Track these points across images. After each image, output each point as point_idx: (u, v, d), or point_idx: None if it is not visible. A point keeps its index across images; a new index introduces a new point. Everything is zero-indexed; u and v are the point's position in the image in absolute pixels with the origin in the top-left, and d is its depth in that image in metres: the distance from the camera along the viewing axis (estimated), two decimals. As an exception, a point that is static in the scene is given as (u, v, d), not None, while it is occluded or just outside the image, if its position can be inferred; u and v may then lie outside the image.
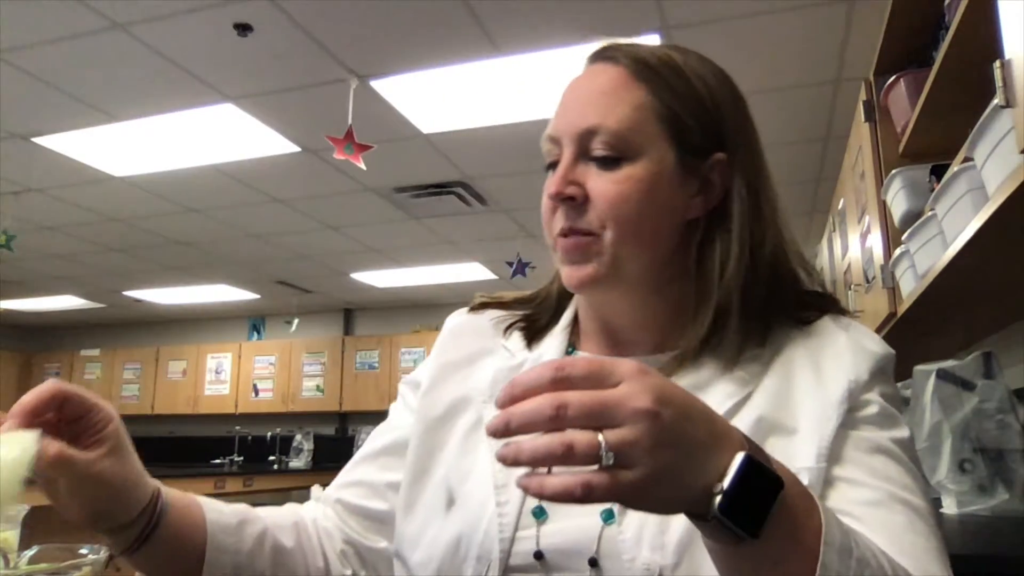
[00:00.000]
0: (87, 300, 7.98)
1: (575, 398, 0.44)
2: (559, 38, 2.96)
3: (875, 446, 0.65)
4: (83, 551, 0.55)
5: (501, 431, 0.45)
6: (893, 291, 2.00)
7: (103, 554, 0.55)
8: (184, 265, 6.59)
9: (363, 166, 3.57)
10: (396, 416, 0.86)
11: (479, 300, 0.88)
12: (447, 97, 3.48)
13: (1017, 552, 1.23)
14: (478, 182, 4.61)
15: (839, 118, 3.56)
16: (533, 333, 0.82)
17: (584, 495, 0.43)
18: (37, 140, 3.95)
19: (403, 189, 4.71)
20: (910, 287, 1.78)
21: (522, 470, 0.46)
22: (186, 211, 5.14)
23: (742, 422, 0.65)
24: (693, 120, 0.72)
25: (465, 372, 0.80)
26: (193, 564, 0.70)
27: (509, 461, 0.45)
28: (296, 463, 7.31)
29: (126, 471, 0.64)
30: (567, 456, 0.43)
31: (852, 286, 2.67)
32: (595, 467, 0.43)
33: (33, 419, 0.59)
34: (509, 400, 0.46)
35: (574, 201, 0.70)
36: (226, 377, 8.41)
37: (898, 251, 1.84)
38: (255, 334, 8.87)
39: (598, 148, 0.70)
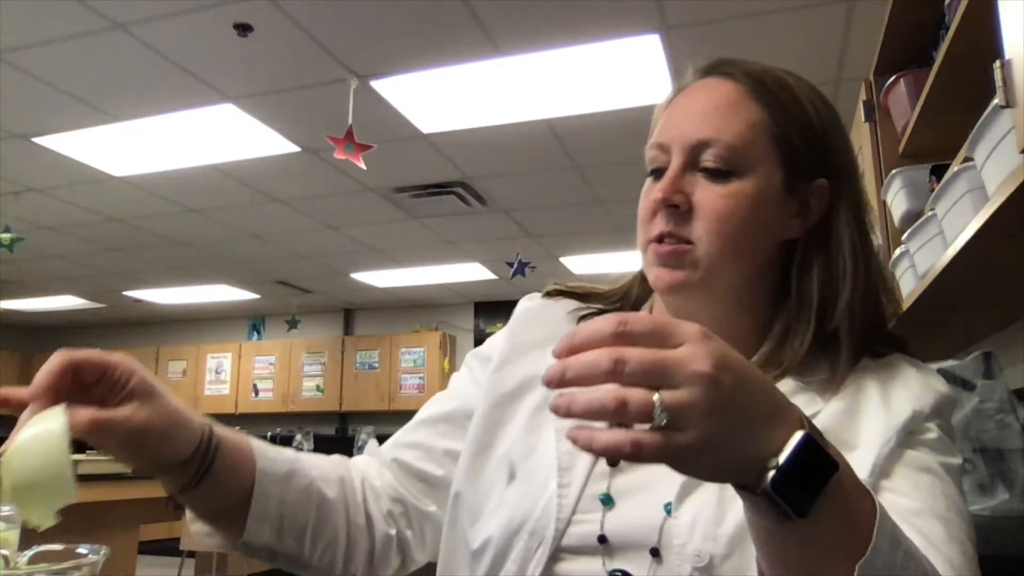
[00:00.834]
0: (87, 300, 7.99)
1: (634, 354, 0.43)
2: (559, 38, 2.96)
3: (924, 466, 0.66)
4: (83, 551, 0.54)
5: (557, 381, 0.45)
6: (893, 291, 1.99)
7: (103, 554, 0.55)
8: (184, 265, 6.59)
9: (363, 166, 3.57)
10: (459, 387, 0.87)
11: (553, 287, 0.88)
12: (447, 97, 3.48)
13: (1017, 552, 1.23)
14: (478, 182, 4.61)
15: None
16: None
17: (634, 453, 0.43)
18: (37, 140, 3.95)
19: (403, 189, 4.71)
20: (910, 287, 1.78)
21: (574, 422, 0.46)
22: (186, 211, 5.14)
23: None
24: (803, 143, 0.73)
25: (537, 354, 0.81)
26: (241, 505, 0.71)
27: (562, 412, 0.45)
28: (296, 463, 7.31)
29: (168, 414, 0.65)
30: (620, 412, 0.43)
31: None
32: (648, 426, 0.43)
33: (53, 395, 0.60)
34: (568, 351, 0.45)
35: (678, 209, 0.71)
36: (226, 377, 8.41)
37: (898, 251, 1.84)
38: (255, 334, 8.87)
39: (709, 160, 0.71)
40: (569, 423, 0.45)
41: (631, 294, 0.85)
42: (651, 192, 0.74)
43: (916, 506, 0.62)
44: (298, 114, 3.68)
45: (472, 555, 0.73)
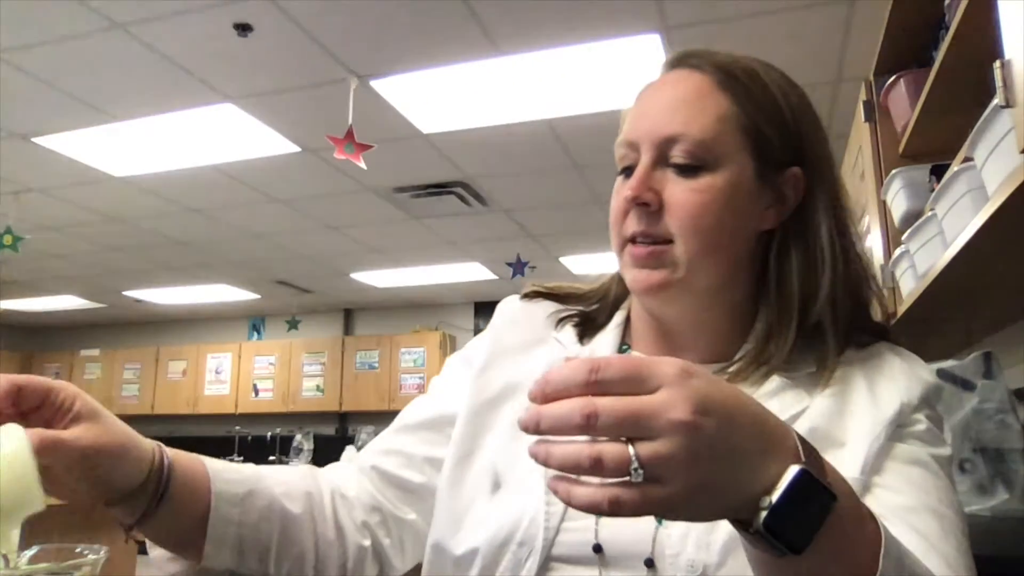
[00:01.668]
0: (87, 300, 7.98)
1: (607, 407, 0.41)
2: (559, 38, 2.96)
3: (915, 459, 0.66)
4: (83, 551, 0.54)
5: (532, 429, 0.43)
6: (893, 291, 2.00)
7: (103, 554, 0.55)
8: (184, 265, 6.59)
9: (363, 166, 3.57)
10: (441, 391, 0.85)
11: (532, 289, 0.87)
12: (447, 97, 3.48)
13: (1017, 552, 1.23)
14: (478, 182, 4.61)
15: (839, 118, 3.55)
16: (587, 329, 0.82)
17: (612, 511, 0.41)
18: (37, 140, 3.95)
19: (403, 189, 4.71)
20: (910, 287, 1.78)
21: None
22: (186, 211, 5.14)
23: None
24: (774, 132, 0.72)
25: (519, 359, 0.80)
26: (199, 529, 0.69)
27: (539, 460, 0.44)
28: (296, 463, 7.31)
29: (115, 436, 0.63)
30: (595, 469, 0.41)
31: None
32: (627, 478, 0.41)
33: None
34: (541, 397, 0.44)
35: (648, 207, 0.70)
36: (226, 377, 8.41)
37: (898, 251, 1.84)
38: (255, 334, 8.87)
39: (678, 156, 0.70)
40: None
41: (610, 294, 0.84)
42: (622, 191, 0.73)
43: (909, 502, 0.62)
44: (298, 114, 3.68)
45: (455, 562, 0.71)
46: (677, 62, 0.76)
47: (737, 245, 0.72)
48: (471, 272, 6.84)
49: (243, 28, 2.91)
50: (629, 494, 0.41)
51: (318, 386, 8.09)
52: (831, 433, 0.66)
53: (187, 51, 3.11)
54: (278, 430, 7.52)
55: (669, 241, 0.70)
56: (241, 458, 7.25)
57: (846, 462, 0.63)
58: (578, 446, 0.42)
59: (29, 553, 0.58)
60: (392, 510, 0.80)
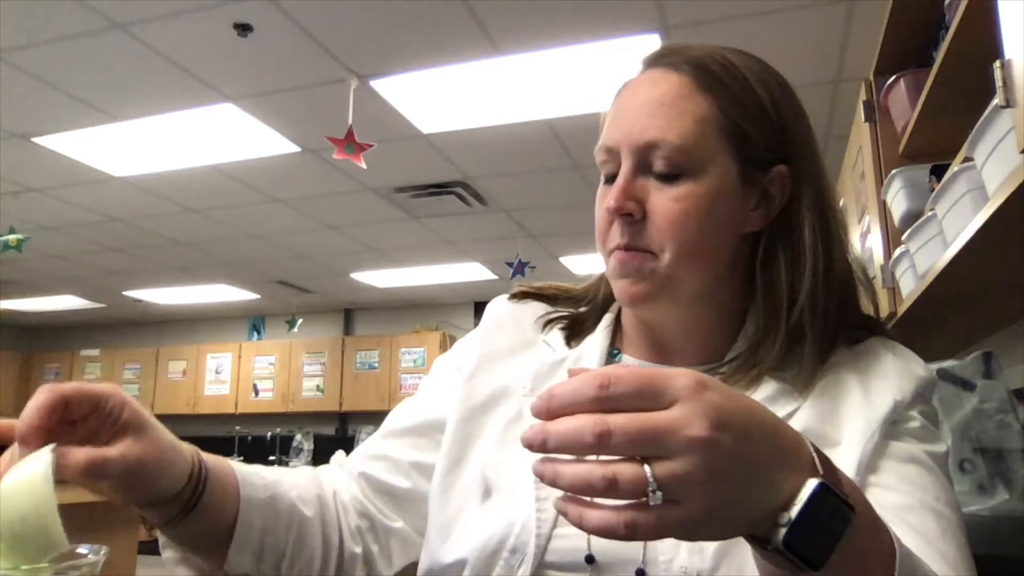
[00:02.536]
0: (87, 300, 7.98)
1: (620, 425, 0.39)
2: (559, 38, 2.96)
3: (911, 456, 0.65)
4: (83, 551, 0.54)
5: (537, 447, 0.41)
6: (893, 291, 2.00)
7: (103, 554, 0.55)
8: (184, 265, 6.59)
9: (363, 166, 3.57)
10: (429, 395, 0.84)
11: (520, 289, 0.86)
12: (447, 97, 3.48)
13: (1017, 552, 1.23)
14: (478, 182, 4.61)
15: (839, 118, 3.55)
16: (575, 332, 0.81)
17: (628, 535, 0.39)
18: (37, 140, 3.95)
19: (403, 189, 4.70)
20: (910, 287, 1.78)
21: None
22: (186, 211, 5.14)
23: None
24: (756, 131, 0.70)
25: (507, 362, 0.79)
26: (224, 534, 0.69)
27: (547, 481, 0.41)
28: (296, 463, 7.31)
29: (160, 449, 0.62)
30: (609, 491, 0.39)
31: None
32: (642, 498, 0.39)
33: (44, 436, 0.55)
34: (547, 414, 0.41)
35: (632, 217, 0.68)
36: (226, 377, 8.41)
37: (898, 251, 1.84)
38: (255, 334, 8.86)
39: (659, 163, 0.67)
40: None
41: (599, 296, 0.82)
42: (604, 199, 0.70)
43: (907, 501, 0.61)
44: (298, 114, 3.68)
45: (445, 570, 0.70)
46: (654, 61, 0.73)
47: (722, 251, 0.70)
48: (471, 272, 6.83)
49: (243, 28, 2.91)
50: (645, 517, 0.39)
51: (318, 386, 8.09)
52: (825, 433, 0.65)
53: (187, 51, 3.11)
54: (278, 430, 7.52)
55: (653, 252, 0.68)
56: (241, 458, 7.22)
57: (841, 462, 0.61)
58: (590, 466, 0.40)
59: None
60: (380, 518, 0.79)
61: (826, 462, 0.45)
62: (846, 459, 0.63)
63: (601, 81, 3.31)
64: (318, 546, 0.75)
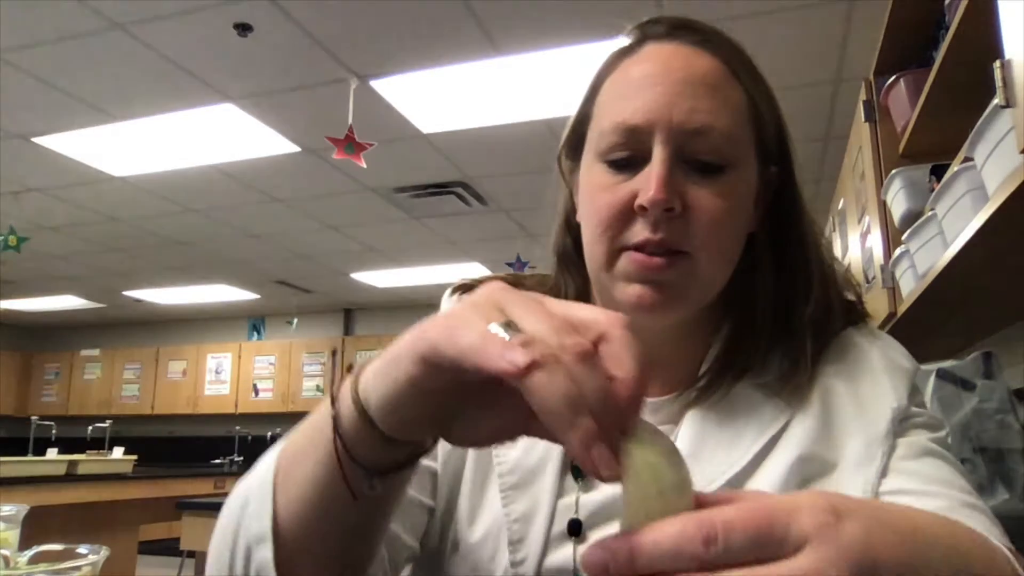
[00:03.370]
0: (87, 300, 7.99)
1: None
2: (559, 38, 2.96)
3: (923, 450, 0.61)
4: (83, 551, 0.54)
5: (624, 568, 0.31)
6: (893, 291, 2.00)
7: (103, 554, 0.55)
8: (184, 265, 6.59)
9: (363, 166, 3.57)
10: None
11: (463, 283, 0.75)
12: (447, 97, 3.48)
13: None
14: (478, 182, 4.61)
15: (839, 118, 3.56)
16: None
17: None
18: (37, 140, 3.95)
19: (403, 189, 4.71)
20: (910, 287, 1.78)
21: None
22: (186, 211, 5.14)
23: (782, 460, 0.60)
24: (773, 126, 0.66)
25: None
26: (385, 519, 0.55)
27: None
28: (296, 463, 7.31)
29: None
30: None
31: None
32: None
33: None
34: (628, 568, 0.31)
35: (673, 212, 0.58)
36: (226, 377, 8.41)
37: (898, 251, 1.84)
38: (255, 334, 8.87)
39: (705, 153, 0.60)
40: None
41: (561, 295, 0.72)
42: (616, 189, 0.61)
43: (943, 504, 0.56)
44: (298, 114, 3.68)
45: None
46: (674, 32, 0.65)
47: (738, 254, 0.65)
48: (471, 272, 6.83)
49: (243, 28, 2.91)
50: None
51: (318, 386, 8.09)
52: (820, 454, 0.60)
53: (187, 51, 3.11)
54: (278, 430, 7.50)
55: (688, 253, 0.60)
56: (241, 458, 7.26)
57: (843, 486, 0.59)
58: None
59: (29, 553, 0.58)
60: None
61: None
62: (848, 484, 0.58)
63: (601, 81, 3.31)
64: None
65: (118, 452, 5.22)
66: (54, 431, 6.07)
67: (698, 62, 0.62)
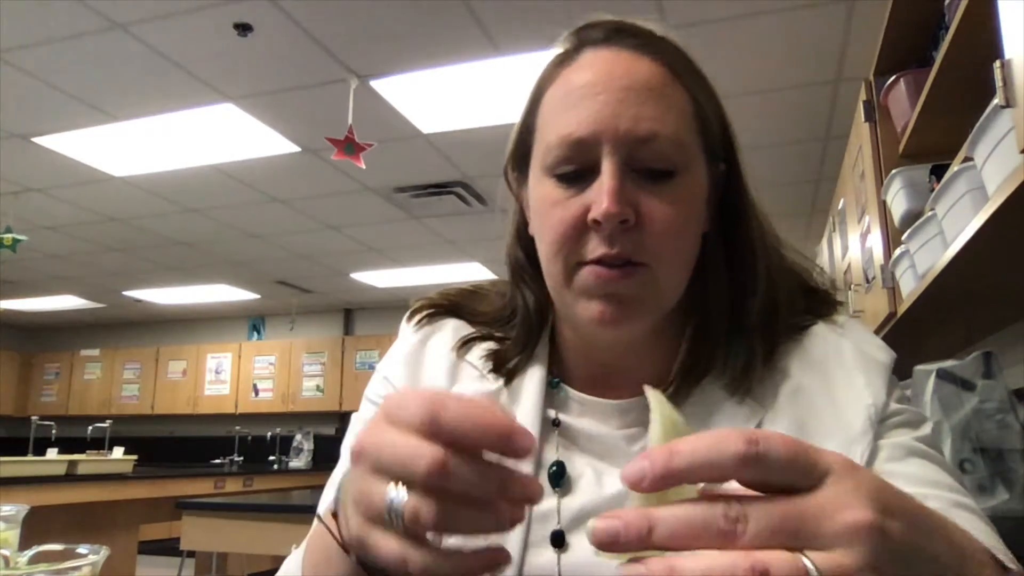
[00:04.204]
0: (87, 300, 7.99)
1: (761, 509, 0.31)
2: (559, 38, 2.96)
3: (907, 450, 0.60)
4: (83, 551, 0.54)
5: (634, 539, 0.31)
6: (893, 291, 2.00)
7: (103, 554, 0.55)
8: (184, 265, 6.59)
9: (363, 166, 3.57)
10: None
11: (422, 310, 0.75)
12: (447, 97, 3.48)
13: (1017, 552, 1.23)
14: (478, 182, 4.61)
15: (839, 118, 3.56)
16: (502, 357, 0.70)
17: None
18: (37, 140, 3.95)
19: (403, 189, 4.71)
20: (910, 287, 1.78)
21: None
22: (186, 211, 5.14)
23: None
24: (717, 124, 0.64)
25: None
26: None
27: None
28: (296, 463, 7.31)
29: None
30: None
31: (852, 286, 2.67)
32: None
33: None
34: (652, 481, 0.32)
35: (627, 223, 0.58)
36: (226, 377, 8.41)
37: (898, 251, 1.84)
38: (255, 334, 8.87)
39: (654, 160, 0.59)
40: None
41: (529, 320, 0.70)
42: (568, 204, 0.60)
43: (933, 505, 0.55)
44: (298, 114, 3.68)
45: None
46: (611, 37, 0.64)
47: (695, 256, 0.64)
48: (471, 272, 6.83)
49: (243, 28, 2.91)
50: None
51: (318, 386, 8.09)
52: None
53: (187, 51, 3.11)
54: (278, 430, 7.51)
55: (647, 264, 0.59)
56: (241, 458, 7.26)
57: None
58: (731, 557, 0.30)
59: (29, 553, 0.58)
60: None
61: (997, 549, 0.39)
62: None
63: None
64: None
65: (118, 452, 5.22)
66: (54, 431, 6.07)
67: (639, 67, 0.61)
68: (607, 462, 0.65)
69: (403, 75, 3.29)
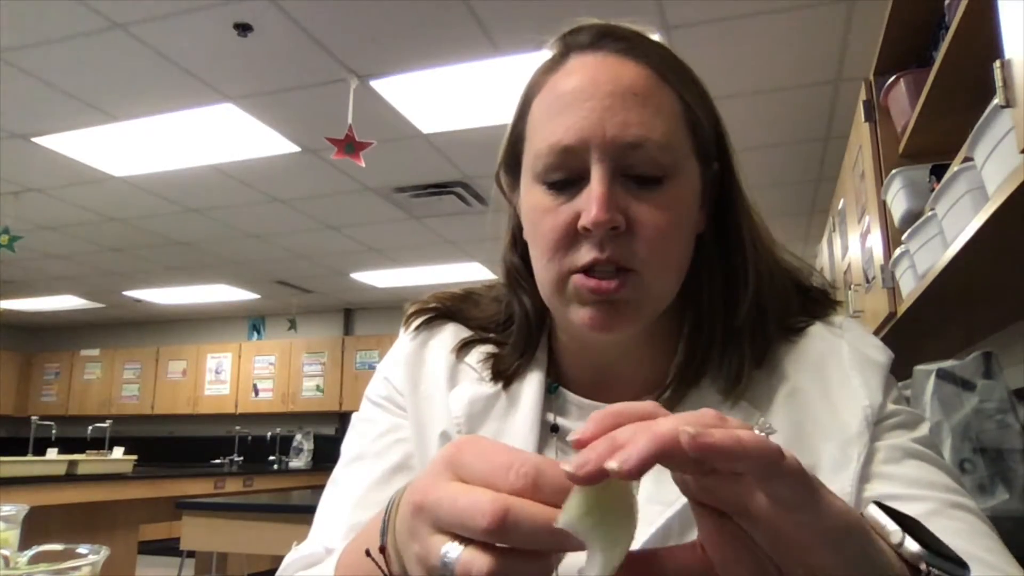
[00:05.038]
0: (87, 300, 7.99)
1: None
2: (559, 38, 2.96)
3: (902, 452, 0.60)
4: (83, 551, 0.54)
5: (692, 445, 0.34)
6: (893, 291, 2.00)
7: (103, 554, 0.55)
8: (184, 265, 6.59)
9: (363, 166, 3.57)
10: (389, 429, 0.71)
11: (418, 315, 0.76)
12: (447, 97, 3.48)
13: (1017, 552, 1.23)
14: (478, 182, 4.61)
15: (839, 118, 3.56)
16: (501, 361, 0.71)
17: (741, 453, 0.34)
18: (37, 140, 3.95)
19: (403, 189, 4.71)
20: (910, 287, 1.78)
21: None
22: (186, 211, 5.14)
23: None
24: (708, 124, 0.64)
25: (438, 402, 0.70)
26: None
27: (693, 449, 0.34)
28: (296, 463, 7.32)
29: None
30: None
31: (852, 286, 2.67)
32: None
33: None
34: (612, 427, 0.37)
35: (618, 230, 0.58)
36: (226, 377, 8.41)
37: (898, 251, 1.84)
38: (255, 334, 8.87)
39: (642, 166, 0.59)
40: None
41: (528, 326, 0.71)
42: (558, 211, 0.60)
43: (927, 507, 0.56)
44: (298, 114, 3.68)
45: None
46: (596, 42, 0.64)
47: (688, 258, 0.64)
48: (471, 272, 6.83)
49: (243, 28, 2.91)
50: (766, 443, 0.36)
51: (318, 386, 8.09)
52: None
53: (187, 51, 3.11)
54: (278, 430, 7.52)
55: (637, 270, 0.59)
56: (241, 458, 7.26)
57: None
58: (698, 415, 0.37)
59: (29, 553, 0.58)
60: None
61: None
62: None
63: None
64: None
65: (118, 452, 5.22)
66: (54, 431, 6.07)
67: (626, 71, 0.61)
68: None
69: (403, 75, 3.29)
